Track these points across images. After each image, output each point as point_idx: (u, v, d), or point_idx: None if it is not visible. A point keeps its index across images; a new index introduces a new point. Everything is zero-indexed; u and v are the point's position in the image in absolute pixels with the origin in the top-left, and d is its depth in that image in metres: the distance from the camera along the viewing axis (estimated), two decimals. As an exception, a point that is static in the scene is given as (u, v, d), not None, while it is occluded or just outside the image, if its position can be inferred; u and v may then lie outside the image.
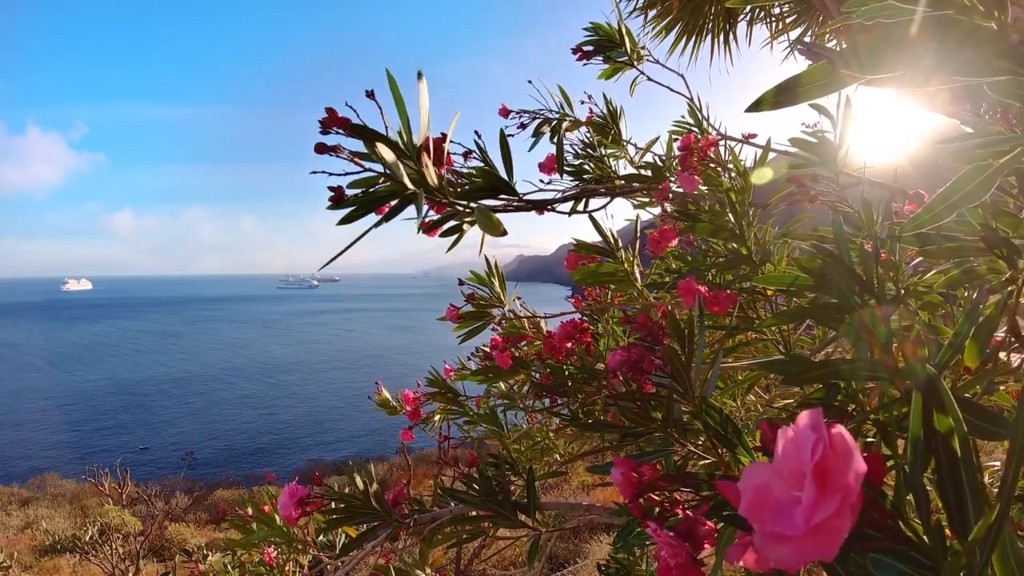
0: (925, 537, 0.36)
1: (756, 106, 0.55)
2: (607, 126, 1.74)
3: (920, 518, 0.36)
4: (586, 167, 1.68)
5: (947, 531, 0.36)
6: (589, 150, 1.70)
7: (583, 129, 1.75)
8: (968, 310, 0.48)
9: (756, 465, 0.34)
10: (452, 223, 0.88)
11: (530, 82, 1.70)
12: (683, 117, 1.67)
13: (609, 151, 1.74)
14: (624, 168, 1.74)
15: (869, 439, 0.65)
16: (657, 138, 1.68)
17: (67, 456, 23.52)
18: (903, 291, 0.82)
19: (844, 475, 0.30)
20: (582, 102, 1.75)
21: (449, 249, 0.93)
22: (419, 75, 0.72)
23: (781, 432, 0.33)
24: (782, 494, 0.32)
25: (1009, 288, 0.63)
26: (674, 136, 1.65)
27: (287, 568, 1.67)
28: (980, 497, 0.35)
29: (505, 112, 1.72)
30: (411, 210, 0.76)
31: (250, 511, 1.45)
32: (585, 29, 1.77)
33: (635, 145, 1.78)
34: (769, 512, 0.32)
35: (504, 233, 0.82)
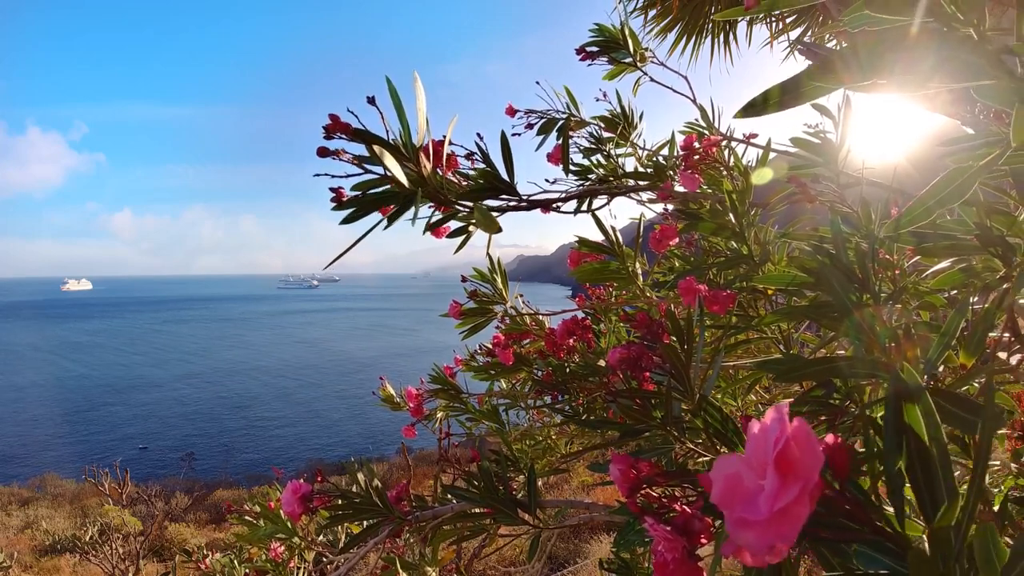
0: (899, 526, 0.37)
1: (758, 110, 0.55)
2: (618, 123, 1.75)
3: (895, 507, 0.37)
4: (593, 161, 1.69)
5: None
6: (598, 144, 1.72)
7: (592, 126, 1.76)
8: (958, 305, 0.49)
9: (727, 456, 0.36)
10: (458, 225, 0.89)
11: (538, 83, 1.71)
12: (696, 120, 1.68)
13: (619, 150, 1.75)
14: (631, 166, 1.75)
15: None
16: (667, 141, 1.69)
17: (67, 456, 23.53)
18: (899, 290, 0.83)
19: (804, 465, 0.32)
20: (597, 99, 1.76)
21: (458, 250, 0.94)
22: (415, 77, 0.73)
23: (750, 425, 0.35)
24: (751, 483, 0.34)
25: (1004, 285, 0.63)
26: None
27: (291, 564, 1.68)
28: (953, 484, 0.36)
29: (512, 112, 1.73)
30: (413, 211, 0.78)
31: (257, 508, 1.46)
32: (590, 30, 1.79)
33: (640, 146, 1.79)
34: (738, 500, 0.34)
35: (499, 230, 0.84)
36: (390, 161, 0.71)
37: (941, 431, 0.36)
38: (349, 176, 0.76)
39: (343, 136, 0.72)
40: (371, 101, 0.72)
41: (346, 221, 0.77)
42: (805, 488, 0.31)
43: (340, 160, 0.74)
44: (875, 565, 0.37)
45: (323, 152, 0.72)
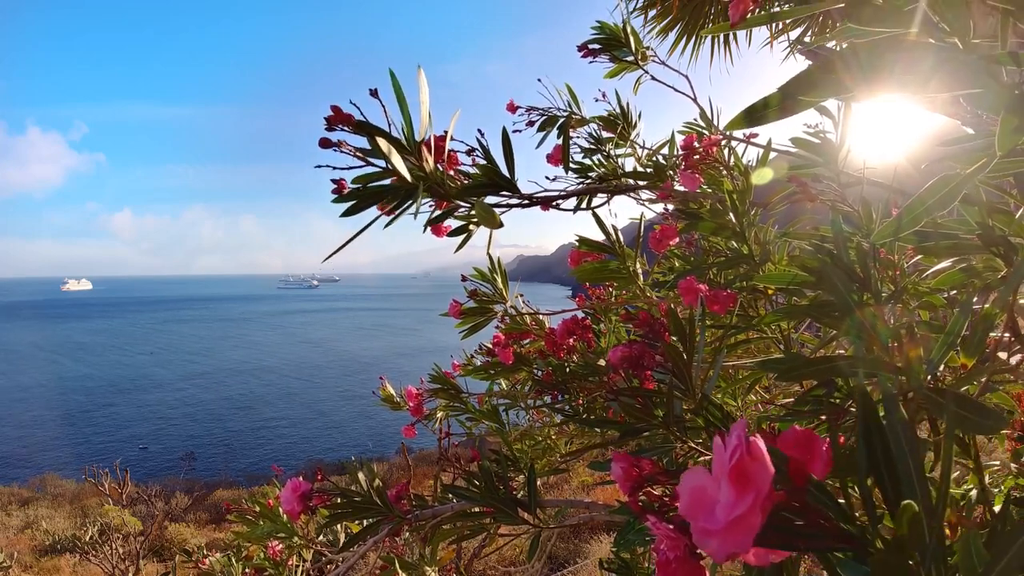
0: (872, 532, 0.37)
1: (759, 117, 0.54)
2: (617, 123, 1.75)
3: (867, 513, 0.38)
4: (593, 160, 1.69)
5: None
6: (598, 144, 1.72)
7: (592, 125, 1.76)
8: (961, 305, 0.49)
9: (693, 470, 0.37)
10: (459, 223, 0.89)
11: (539, 80, 1.71)
12: (696, 120, 1.68)
13: (619, 150, 1.75)
14: (630, 166, 1.75)
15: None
16: (667, 141, 1.69)
17: (69, 456, 23.53)
18: (900, 290, 0.83)
19: (757, 478, 0.34)
20: (596, 100, 1.76)
21: (458, 249, 0.94)
22: (419, 70, 0.73)
23: (716, 441, 0.37)
24: (714, 494, 0.35)
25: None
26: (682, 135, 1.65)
27: (290, 563, 1.67)
28: (925, 486, 0.36)
29: (512, 108, 1.73)
30: (414, 205, 0.77)
31: (256, 507, 1.45)
32: (592, 28, 1.79)
33: (640, 145, 1.79)
34: (701, 511, 0.35)
35: (500, 225, 0.84)
36: (393, 154, 0.71)
37: (914, 431, 0.36)
38: (351, 168, 0.76)
39: (345, 128, 0.72)
40: (374, 93, 0.72)
41: (347, 214, 0.77)
42: (757, 499, 0.33)
43: (342, 152, 0.74)
44: (856, 573, 0.37)
45: (325, 143, 0.72)
